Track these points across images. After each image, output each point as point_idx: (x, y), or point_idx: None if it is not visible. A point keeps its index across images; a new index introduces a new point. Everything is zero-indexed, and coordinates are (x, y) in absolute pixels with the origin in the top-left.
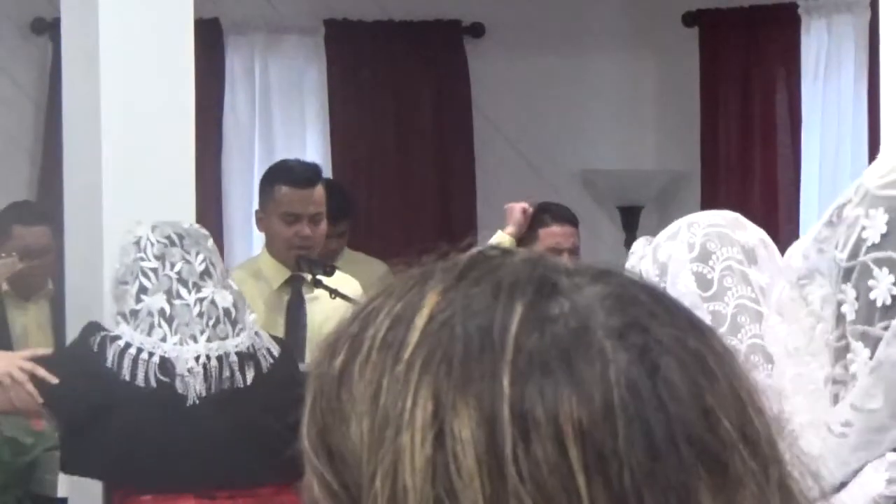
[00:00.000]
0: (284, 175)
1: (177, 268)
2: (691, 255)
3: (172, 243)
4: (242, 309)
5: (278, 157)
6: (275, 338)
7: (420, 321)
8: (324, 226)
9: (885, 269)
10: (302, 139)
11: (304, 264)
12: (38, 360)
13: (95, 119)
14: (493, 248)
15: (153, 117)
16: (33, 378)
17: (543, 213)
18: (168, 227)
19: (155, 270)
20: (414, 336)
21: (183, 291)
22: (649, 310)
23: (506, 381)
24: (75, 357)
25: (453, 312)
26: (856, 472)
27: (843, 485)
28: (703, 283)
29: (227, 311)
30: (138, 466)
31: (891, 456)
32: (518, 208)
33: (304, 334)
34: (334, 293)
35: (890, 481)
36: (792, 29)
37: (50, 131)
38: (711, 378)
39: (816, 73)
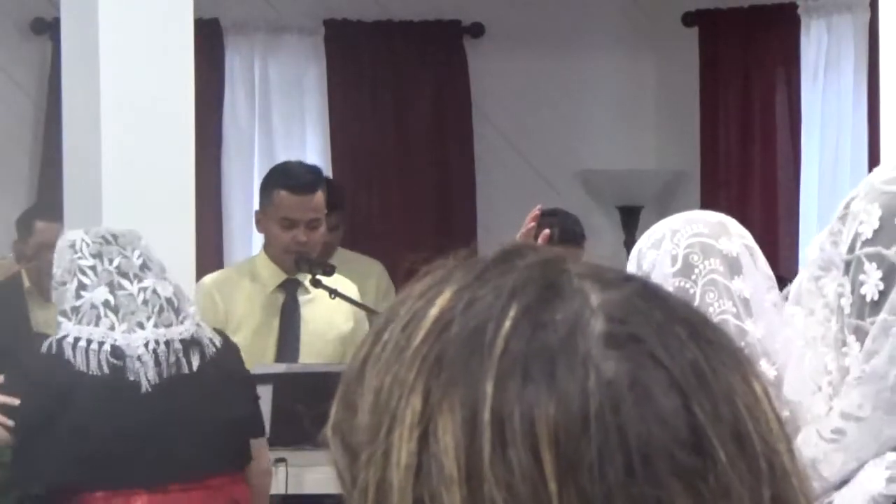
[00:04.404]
0: (284, 179)
1: (115, 262)
2: (674, 269)
3: (108, 242)
4: (183, 299)
5: (278, 158)
6: (217, 330)
7: (427, 320)
8: (322, 230)
9: (874, 265)
10: (302, 139)
11: (303, 264)
12: None
13: (95, 119)
14: (519, 246)
15: (153, 117)
16: None
17: (552, 228)
18: (102, 229)
19: (93, 267)
20: (419, 334)
21: (125, 283)
22: (652, 320)
23: (489, 385)
24: (26, 370)
25: (456, 313)
26: (854, 472)
27: (843, 483)
28: (684, 298)
29: (169, 300)
30: (93, 462)
31: (891, 455)
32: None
33: (299, 336)
34: (334, 293)
35: (890, 480)
36: (792, 29)
37: (50, 131)
38: (707, 393)
39: (816, 73)
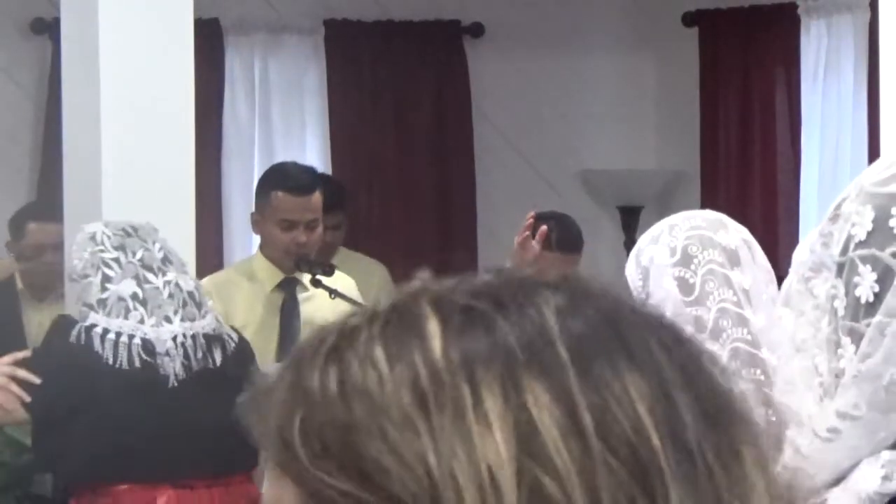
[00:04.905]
0: (282, 181)
1: (138, 255)
2: (673, 260)
3: (128, 234)
4: (202, 294)
5: (278, 158)
6: (231, 327)
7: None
8: (320, 230)
9: (869, 267)
10: (302, 139)
11: (303, 264)
12: (18, 363)
13: (95, 119)
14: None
15: (153, 117)
16: (14, 380)
17: (549, 233)
18: (120, 222)
19: (117, 260)
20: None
21: (150, 276)
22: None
23: (571, 372)
24: (54, 354)
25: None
26: (849, 470)
27: (837, 481)
28: (685, 287)
29: (191, 294)
30: (118, 455)
31: (886, 453)
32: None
33: (299, 336)
34: (334, 293)
35: (885, 478)
36: (791, 29)
37: (50, 131)
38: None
39: (816, 73)
